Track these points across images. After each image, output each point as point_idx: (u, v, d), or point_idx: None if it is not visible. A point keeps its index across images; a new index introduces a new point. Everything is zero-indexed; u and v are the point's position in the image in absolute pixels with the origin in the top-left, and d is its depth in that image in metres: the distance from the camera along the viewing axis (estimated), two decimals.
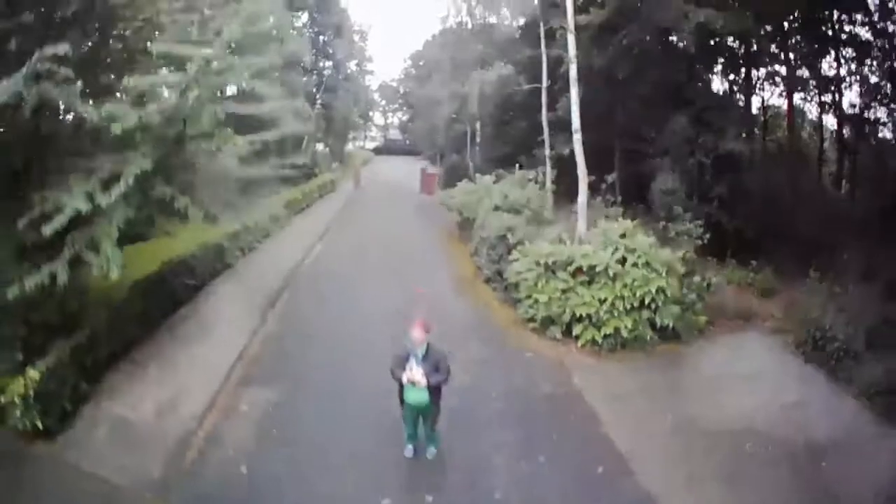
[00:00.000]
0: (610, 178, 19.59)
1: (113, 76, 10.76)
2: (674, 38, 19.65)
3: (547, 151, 24.65)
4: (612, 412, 9.98)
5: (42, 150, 9.32)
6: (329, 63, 43.20)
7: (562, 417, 9.86)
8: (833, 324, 11.98)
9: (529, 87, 25.47)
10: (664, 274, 12.18)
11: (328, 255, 20.46)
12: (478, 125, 33.87)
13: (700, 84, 20.33)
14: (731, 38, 21.75)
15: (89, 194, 8.05)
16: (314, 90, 40.18)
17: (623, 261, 12.31)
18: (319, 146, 42.73)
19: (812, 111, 25.08)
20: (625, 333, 11.92)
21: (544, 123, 24.77)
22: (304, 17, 43.02)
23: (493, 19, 34.80)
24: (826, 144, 24.23)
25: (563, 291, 12.46)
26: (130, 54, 11.07)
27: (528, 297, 13.02)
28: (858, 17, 20.93)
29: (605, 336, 11.98)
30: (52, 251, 8.22)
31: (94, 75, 10.27)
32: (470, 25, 35.85)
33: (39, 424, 8.31)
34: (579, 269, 12.58)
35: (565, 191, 21.82)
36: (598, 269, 12.20)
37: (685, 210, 16.49)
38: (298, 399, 10.09)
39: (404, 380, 7.60)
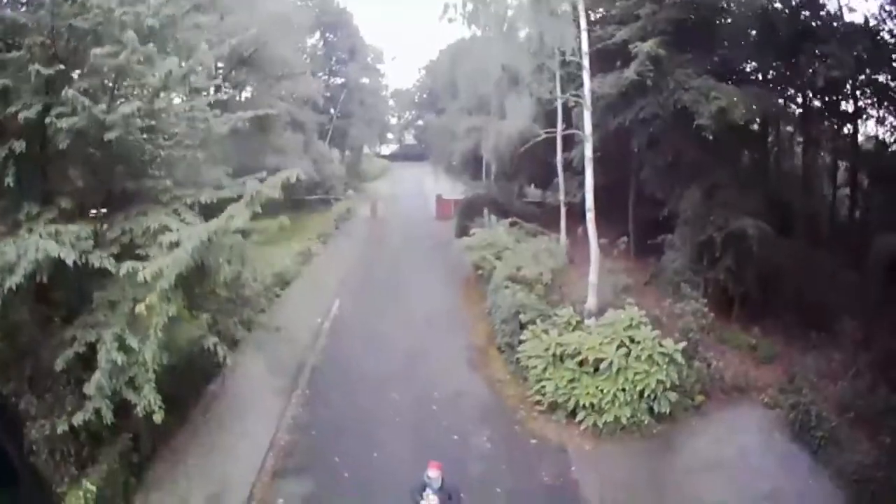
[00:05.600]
0: (622, 242, 21.41)
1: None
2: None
3: (562, 197, 26.32)
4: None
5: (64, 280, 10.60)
6: (341, 80, 44.99)
7: None
8: (819, 414, 13.87)
9: (544, 136, 26.93)
10: (665, 366, 14.11)
11: (347, 310, 22.84)
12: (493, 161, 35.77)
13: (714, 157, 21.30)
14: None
15: (120, 338, 9.58)
16: (328, 112, 42.25)
17: (627, 354, 14.25)
18: (335, 154, 44.57)
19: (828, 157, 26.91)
20: (624, 421, 13.89)
21: (559, 169, 26.41)
22: (317, 35, 45.14)
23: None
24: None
25: (570, 381, 14.46)
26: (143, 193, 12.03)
27: (538, 380, 15.03)
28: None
29: (606, 422, 13.96)
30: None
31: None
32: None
33: None
34: (585, 359, 14.60)
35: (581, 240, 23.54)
36: (602, 365, 14.19)
37: (692, 285, 18.07)
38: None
39: None
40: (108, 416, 9.76)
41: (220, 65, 28.11)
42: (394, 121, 79.13)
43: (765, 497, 12.24)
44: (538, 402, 15.03)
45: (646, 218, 24.71)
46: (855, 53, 20.09)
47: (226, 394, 15.60)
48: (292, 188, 26.14)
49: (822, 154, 27.31)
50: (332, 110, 44.71)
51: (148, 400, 9.68)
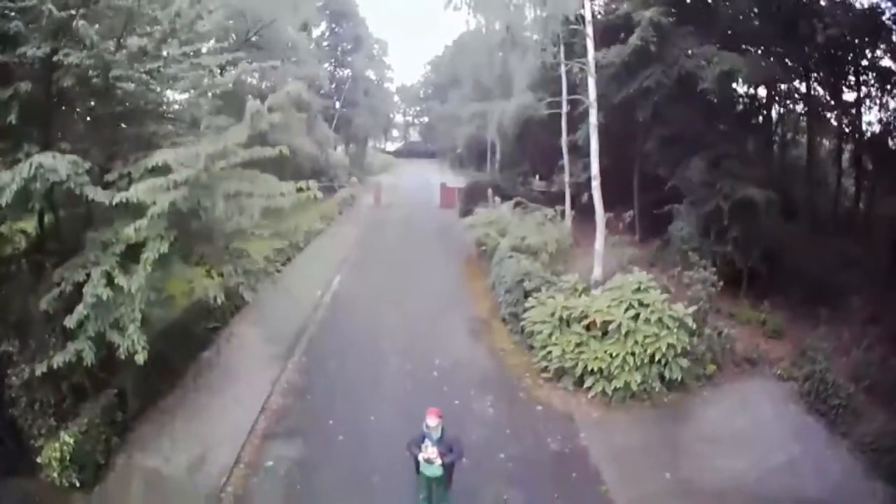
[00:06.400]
0: (627, 216, 20.47)
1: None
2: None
3: (567, 177, 25.55)
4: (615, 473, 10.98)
5: (56, 219, 10.44)
6: (347, 71, 44.19)
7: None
8: (834, 382, 12.91)
9: (549, 113, 26.36)
10: (675, 330, 13.13)
11: (348, 286, 21.81)
12: (497, 141, 34.86)
13: (720, 127, 20.93)
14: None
15: (109, 275, 8.98)
16: (333, 98, 41.36)
17: (636, 317, 13.27)
18: (339, 148, 43.97)
19: (832, 141, 26.12)
20: (634, 387, 12.89)
21: (564, 150, 25.66)
22: (323, 26, 44.38)
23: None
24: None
25: (577, 345, 13.49)
26: (140, 110, 11.57)
27: (543, 347, 14.05)
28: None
29: (615, 389, 12.97)
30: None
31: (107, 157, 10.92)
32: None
33: (76, 482, 9.54)
34: (593, 323, 13.63)
35: (587, 217, 22.69)
36: (611, 327, 13.22)
37: (700, 256, 17.23)
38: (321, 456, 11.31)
39: (420, 458, 8.70)
40: (90, 358, 9.03)
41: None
42: (399, 118, 78.38)
43: (782, 467, 11.25)
44: (544, 370, 14.05)
45: (650, 202, 23.78)
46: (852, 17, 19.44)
47: (220, 361, 14.80)
48: (296, 172, 25.27)
49: (825, 140, 26.68)
50: (336, 103, 43.76)
51: (132, 340, 8.91)
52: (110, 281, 8.97)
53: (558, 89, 25.37)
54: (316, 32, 42.83)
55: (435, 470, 8.71)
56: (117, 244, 9.47)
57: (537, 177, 38.11)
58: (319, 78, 34.01)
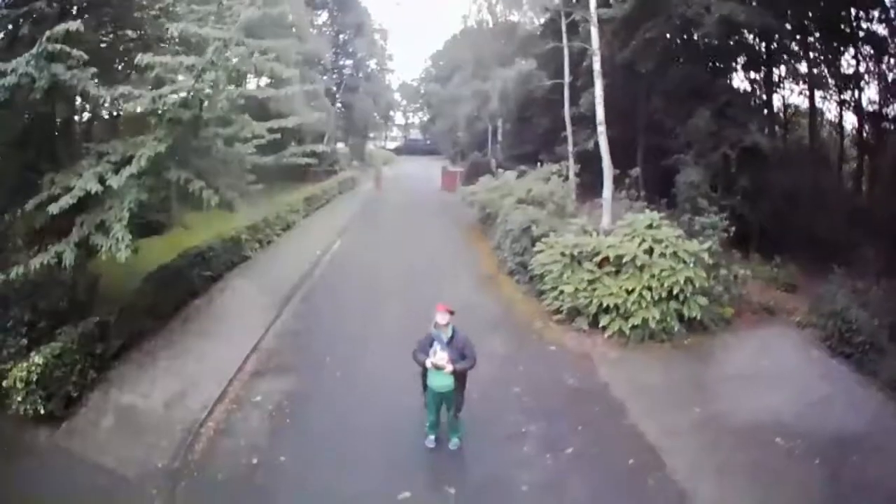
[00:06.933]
0: (634, 172, 19.63)
1: (128, 61, 11.00)
2: (696, 34, 19.53)
3: (570, 147, 24.67)
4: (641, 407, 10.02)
5: (55, 134, 9.76)
6: (349, 62, 43.35)
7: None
8: (858, 318, 11.93)
9: (551, 83, 25.50)
10: (692, 265, 12.16)
11: (348, 248, 20.78)
12: (499, 122, 33.86)
13: (722, 80, 20.20)
14: (751, 36, 21.74)
15: (101, 175, 8.29)
16: (334, 88, 40.47)
17: (650, 251, 12.30)
18: (340, 145, 43.21)
19: (832, 109, 25.19)
20: (652, 325, 11.87)
21: (567, 119, 24.78)
22: (325, 15, 43.55)
23: (514, 17, 34.96)
24: (846, 142, 24.15)
25: (590, 282, 12.50)
26: (147, 41, 11.20)
27: (554, 288, 13.06)
28: (875, 14, 21.06)
29: (633, 327, 11.95)
30: (63, 235, 8.54)
31: (109, 61, 10.46)
32: (491, 24, 36.03)
33: (41, 409, 8.42)
34: (605, 259, 12.65)
35: (589, 185, 21.91)
36: (625, 260, 12.25)
37: (709, 203, 16.39)
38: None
39: (428, 364, 7.54)
40: (69, 260, 8.18)
41: None
42: (399, 116, 77.62)
43: (814, 404, 10.23)
44: (556, 311, 13.03)
45: (655, 166, 22.88)
46: None
47: (212, 308, 13.86)
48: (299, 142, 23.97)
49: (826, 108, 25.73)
50: (338, 95, 42.77)
51: (116, 238, 8.05)
52: (102, 181, 8.27)
53: (559, 67, 24.57)
54: (318, 21, 42.06)
55: (444, 380, 7.59)
56: (114, 154, 8.92)
57: (539, 163, 37.18)
58: (322, 56, 33.13)
